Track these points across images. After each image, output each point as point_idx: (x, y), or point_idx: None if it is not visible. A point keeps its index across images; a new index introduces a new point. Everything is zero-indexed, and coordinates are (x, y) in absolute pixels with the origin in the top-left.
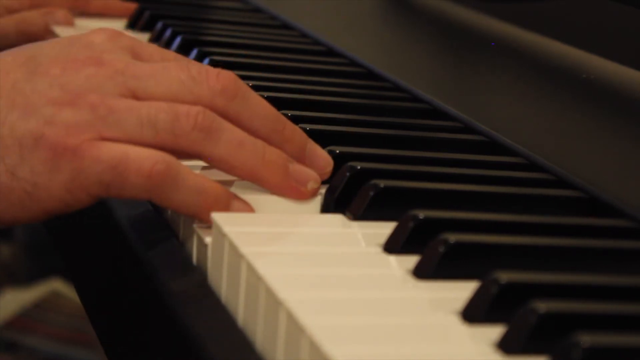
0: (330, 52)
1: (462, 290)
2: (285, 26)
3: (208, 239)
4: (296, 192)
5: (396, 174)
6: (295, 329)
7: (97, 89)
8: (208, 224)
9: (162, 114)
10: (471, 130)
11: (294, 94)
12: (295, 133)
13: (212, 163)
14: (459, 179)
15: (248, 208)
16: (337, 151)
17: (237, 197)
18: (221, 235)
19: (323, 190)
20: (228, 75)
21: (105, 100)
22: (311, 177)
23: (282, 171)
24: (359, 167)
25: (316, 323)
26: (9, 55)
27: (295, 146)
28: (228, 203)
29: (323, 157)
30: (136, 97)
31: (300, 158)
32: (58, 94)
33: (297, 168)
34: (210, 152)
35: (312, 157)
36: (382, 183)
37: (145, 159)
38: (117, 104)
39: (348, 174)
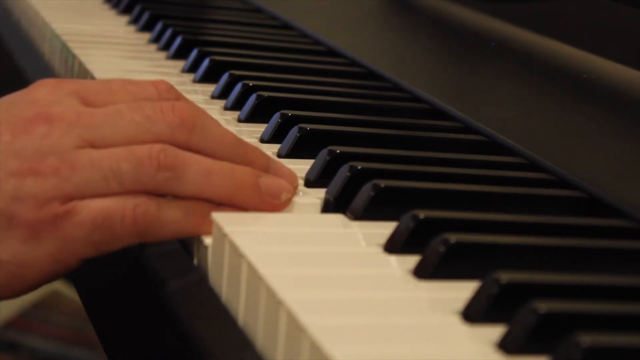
0: (331, 52)
1: (463, 290)
2: (286, 26)
3: (208, 241)
4: (272, 207)
5: (396, 174)
6: (296, 328)
7: (54, 148)
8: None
9: (123, 163)
10: (471, 130)
11: (294, 93)
12: (257, 155)
13: (185, 198)
14: (459, 179)
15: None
16: (337, 151)
17: (222, 206)
18: (222, 235)
19: (323, 191)
20: (184, 107)
21: (65, 160)
22: (283, 188)
23: (255, 191)
24: (359, 167)
25: (316, 323)
26: None
27: (258, 168)
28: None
29: (288, 174)
30: (94, 146)
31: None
32: (15, 164)
33: (269, 181)
34: (181, 190)
35: (277, 173)
36: (383, 183)
37: (125, 206)
38: (79, 160)
39: (348, 174)
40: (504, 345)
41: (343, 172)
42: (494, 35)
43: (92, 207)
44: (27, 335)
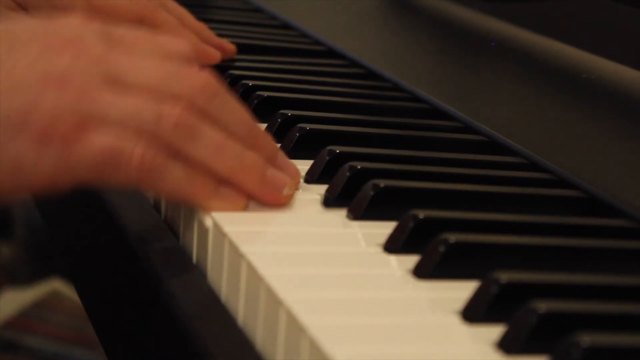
0: (331, 52)
1: (462, 290)
2: (286, 26)
3: (209, 223)
4: (272, 198)
5: (396, 174)
6: (296, 328)
7: (80, 74)
8: (198, 206)
9: (145, 110)
10: (471, 130)
11: (294, 93)
12: (268, 141)
13: (191, 163)
14: (459, 179)
15: (235, 196)
16: (337, 151)
17: (223, 185)
18: (221, 235)
19: (323, 191)
20: (207, 75)
21: (89, 89)
22: (287, 183)
23: (260, 176)
24: (359, 167)
25: (316, 323)
26: None
27: (267, 154)
28: (216, 189)
29: (293, 169)
30: (116, 86)
31: (272, 165)
32: (41, 75)
33: (274, 174)
34: (191, 152)
35: (283, 166)
36: (382, 183)
37: (134, 148)
38: (101, 95)
39: (348, 173)
40: (504, 345)
41: (343, 172)
42: (494, 35)
43: (104, 139)
44: (27, 335)
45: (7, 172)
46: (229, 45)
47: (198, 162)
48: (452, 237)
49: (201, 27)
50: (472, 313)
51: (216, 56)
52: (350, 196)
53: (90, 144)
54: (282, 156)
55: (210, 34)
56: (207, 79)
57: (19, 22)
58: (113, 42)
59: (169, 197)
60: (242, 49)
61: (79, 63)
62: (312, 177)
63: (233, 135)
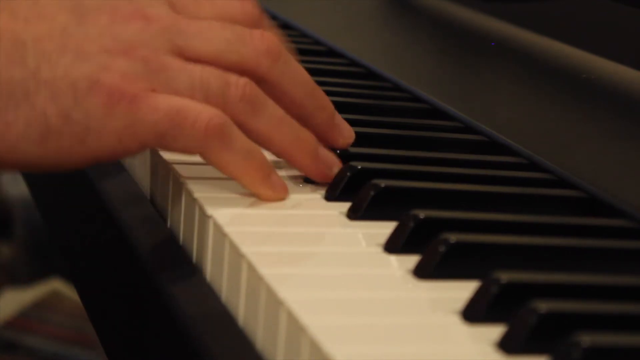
0: (331, 52)
1: (463, 290)
2: (286, 26)
3: (210, 223)
4: (322, 175)
5: (396, 174)
6: (296, 328)
7: (148, 43)
8: (248, 188)
9: (213, 79)
10: (471, 130)
11: None
12: (327, 101)
13: (252, 135)
14: (459, 179)
15: (284, 184)
16: (337, 151)
17: (275, 171)
18: (222, 235)
19: (323, 191)
20: (272, 37)
21: (157, 57)
22: (336, 162)
23: (313, 153)
24: (359, 167)
25: (317, 323)
26: None
27: (327, 113)
28: (269, 173)
29: (348, 128)
30: (183, 54)
31: (331, 126)
32: (110, 43)
33: (325, 152)
34: (254, 124)
35: (340, 125)
36: (383, 183)
37: (202, 112)
38: (169, 62)
39: (348, 173)
40: (504, 345)
41: (343, 172)
42: (494, 35)
43: (171, 100)
44: (27, 335)
45: (71, 139)
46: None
47: (262, 132)
48: (453, 237)
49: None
50: (473, 313)
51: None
52: (350, 196)
53: (158, 103)
54: (338, 116)
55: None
56: (270, 41)
57: None
58: (178, 9)
59: (225, 169)
60: None
61: (147, 33)
62: None
63: (294, 97)
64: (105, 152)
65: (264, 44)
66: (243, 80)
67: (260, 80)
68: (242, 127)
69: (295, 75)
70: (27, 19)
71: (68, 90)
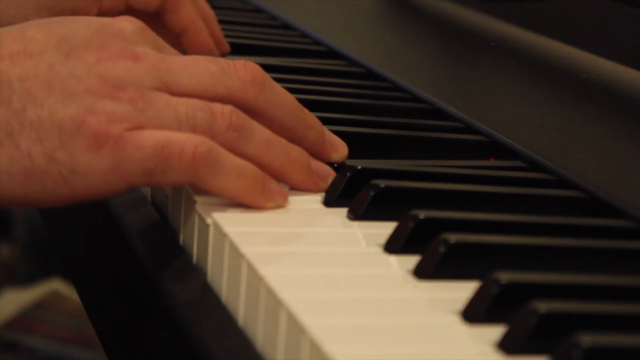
0: (331, 52)
1: (463, 291)
2: (286, 26)
3: (210, 223)
4: (318, 187)
5: (396, 174)
6: (296, 329)
7: (135, 82)
8: (248, 204)
9: (199, 112)
10: (471, 130)
11: (294, 94)
12: (315, 120)
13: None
14: (459, 179)
15: (282, 191)
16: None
17: (270, 179)
18: (222, 235)
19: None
20: (254, 66)
21: (143, 95)
22: (330, 173)
23: (306, 168)
24: (359, 167)
25: (317, 323)
26: (39, 30)
27: (317, 132)
28: (265, 184)
29: (340, 142)
30: (170, 90)
31: (322, 143)
32: (97, 83)
33: (318, 164)
34: (244, 150)
35: (332, 140)
36: (382, 183)
37: (186, 141)
38: (156, 99)
39: (348, 174)
40: (504, 345)
41: (343, 172)
42: (494, 35)
43: (155, 135)
44: (27, 335)
45: (56, 179)
46: (226, 44)
47: (251, 157)
48: (453, 238)
49: (212, 17)
50: (473, 313)
51: (215, 54)
52: (350, 196)
53: (143, 141)
54: (328, 132)
55: (216, 26)
56: (254, 69)
57: (74, 27)
58: (160, 50)
59: (221, 193)
60: (242, 49)
61: (134, 71)
62: None
63: (282, 121)
64: (90, 193)
65: (248, 73)
66: (228, 109)
67: (248, 110)
68: (233, 153)
69: (281, 100)
70: (12, 57)
71: (53, 130)
